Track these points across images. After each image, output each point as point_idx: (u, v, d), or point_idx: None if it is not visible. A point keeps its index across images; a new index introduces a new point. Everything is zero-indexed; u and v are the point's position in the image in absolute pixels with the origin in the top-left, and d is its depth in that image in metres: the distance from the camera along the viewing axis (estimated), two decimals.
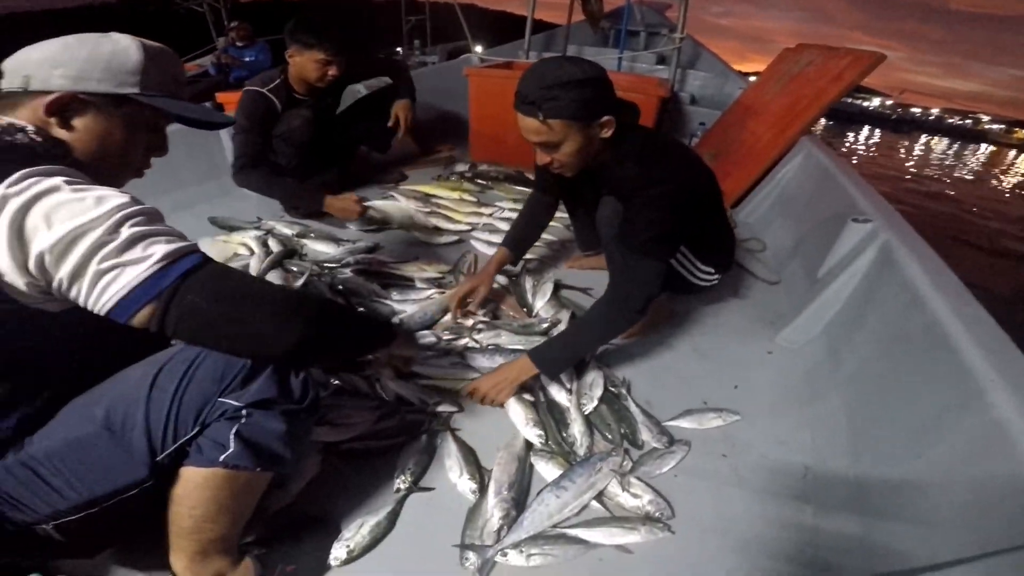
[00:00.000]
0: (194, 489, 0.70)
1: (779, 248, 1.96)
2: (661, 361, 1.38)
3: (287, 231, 1.87)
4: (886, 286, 1.28)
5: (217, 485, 0.70)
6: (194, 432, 0.68)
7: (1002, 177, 19.79)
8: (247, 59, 5.26)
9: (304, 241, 1.82)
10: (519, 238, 1.56)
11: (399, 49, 8.11)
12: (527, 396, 1.16)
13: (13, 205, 0.56)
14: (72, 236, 0.57)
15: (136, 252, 0.60)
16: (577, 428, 1.10)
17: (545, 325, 1.41)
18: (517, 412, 1.11)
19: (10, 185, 0.57)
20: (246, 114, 1.90)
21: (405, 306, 1.49)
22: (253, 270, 1.60)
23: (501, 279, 1.62)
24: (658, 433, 1.11)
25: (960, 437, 0.84)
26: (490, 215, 2.11)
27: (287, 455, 0.74)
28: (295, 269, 1.64)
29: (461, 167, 2.61)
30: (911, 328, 1.09)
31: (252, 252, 1.72)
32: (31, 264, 0.57)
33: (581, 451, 1.06)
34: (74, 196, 0.59)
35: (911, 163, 20.19)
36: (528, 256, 1.73)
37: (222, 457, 0.68)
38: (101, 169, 0.72)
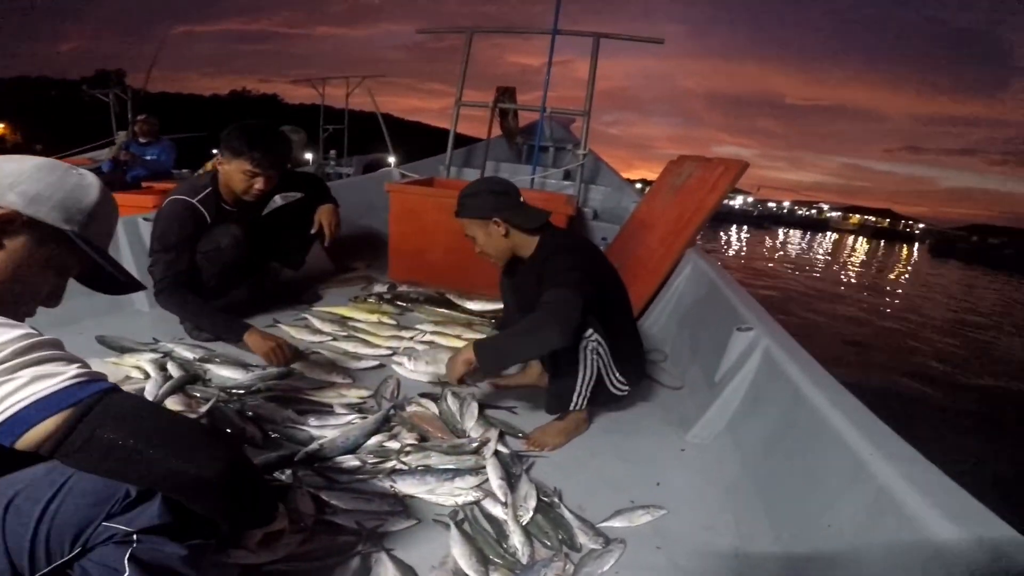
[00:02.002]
0: None
1: (679, 356, 2.21)
2: (587, 468, 1.47)
3: (188, 355, 1.81)
4: (772, 385, 1.51)
5: None
6: (72, 555, 0.67)
7: (846, 264, 23.40)
8: (148, 157, 4.97)
9: (208, 366, 1.76)
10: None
11: (309, 156, 8.19)
12: (466, 528, 1.17)
13: None
14: None
15: (42, 370, 0.60)
16: (517, 539, 1.13)
17: (475, 445, 1.46)
18: (455, 540, 1.12)
19: None
20: (176, 229, 1.84)
21: (324, 432, 1.47)
22: (149, 395, 1.52)
23: (427, 403, 1.67)
24: (594, 535, 1.17)
25: (857, 505, 1.00)
26: (411, 338, 2.15)
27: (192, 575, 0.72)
28: (198, 395, 1.58)
29: (379, 288, 2.68)
30: (799, 417, 1.30)
31: (147, 376, 1.63)
32: None
33: (524, 560, 1.09)
34: None
35: (775, 256, 23.15)
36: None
37: None
38: (0, 299, 0.72)
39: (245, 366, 1.79)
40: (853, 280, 17.59)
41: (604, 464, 1.50)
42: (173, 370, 1.68)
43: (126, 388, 1.51)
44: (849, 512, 1.02)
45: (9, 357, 0.58)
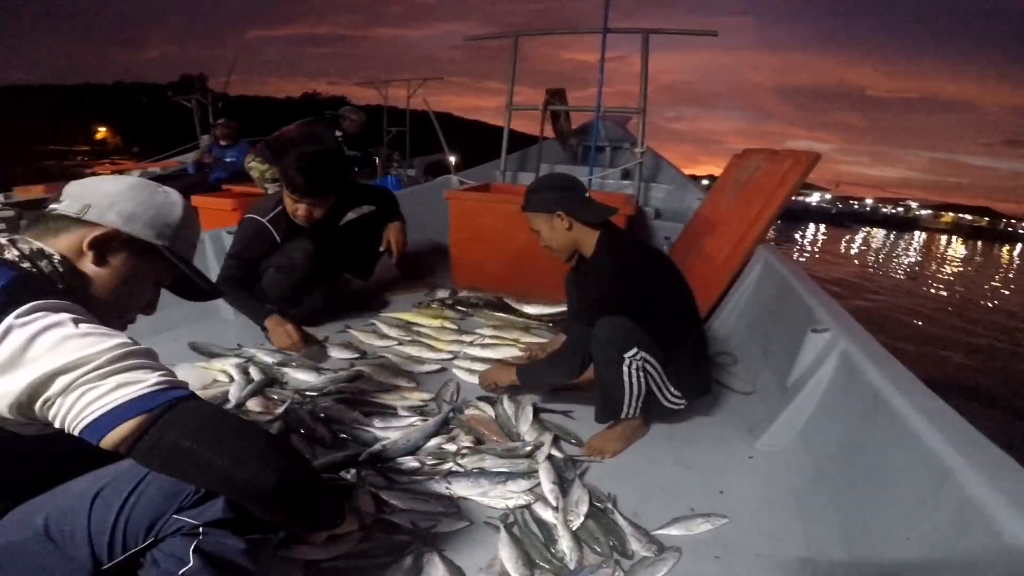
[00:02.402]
0: None
1: (749, 359, 2.10)
2: (645, 474, 1.44)
3: (268, 359, 1.94)
4: (850, 389, 1.40)
5: None
6: (146, 544, 0.73)
7: (938, 266, 21.15)
8: (228, 159, 5.18)
9: (285, 370, 1.88)
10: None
11: (372, 151, 8.45)
12: (515, 531, 1.18)
13: (17, 337, 0.61)
14: (70, 365, 0.62)
15: (128, 377, 0.65)
16: (565, 543, 1.12)
17: (528, 448, 1.46)
18: (504, 542, 1.13)
19: (18, 316, 0.62)
20: (244, 243, 2.05)
21: (388, 433, 1.53)
22: (232, 397, 1.65)
23: (484, 406, 1.69)
24: (647, 542, 1.14)
25: (941, 516, 0.92)
26: (471, 343, 2.19)
27: (251, 568, 0.77)
28: (275, 397, 1.70)
29: (442, 294, 2.75)
30: (879, 423, 1.20)
31: (231, 379, 1.77)
32: (23, 393, 0.61)
33: (572, 565, 1.08)
34: (78, 332, 0.64)
35: (856, 258, 21.26)
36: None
37: (181, 571, 0.72)
38: (107, 310, 0.79)
39: (318, 370, 1.90)
40: (946, 281, 15.85)
41: (663, 471, 1.46)
42: (254, 373, 1.82)
43: (213, 391, 1.69)
44: (931, 523, 0.93)
45: (103, 364, 0.63)
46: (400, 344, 2.18)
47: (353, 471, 1.34)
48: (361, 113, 3.90)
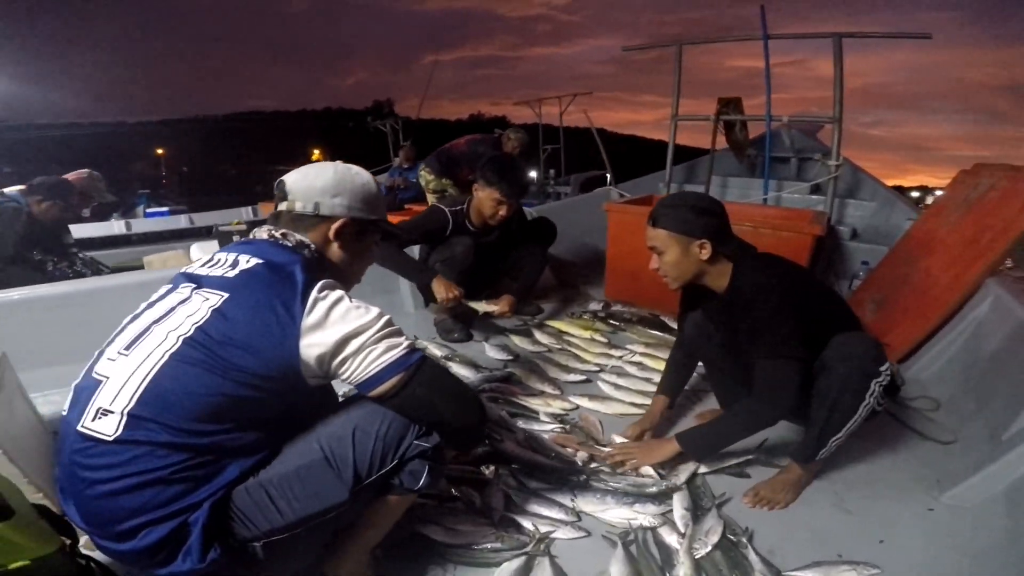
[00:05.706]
0: (396, 509, 1.02)
1: (956, 407, 1.78)
2: (794, 513, 1.34)
3: (437, 352, 2.22)
4: None
5: (405, 506, 1.04)
6: (392, 465, 0.94)
7: None
8: (412, 180, 6.02)
9: (450, 364, 2.13)
10: (671, 384, 1.75)
11: (533, 174, 8.85)
12: (632, 550, 1.19)
13: (321, 307, 0.86)
14: (358, 330, 0.87)
15: (391, 342, 0.90)
16: (684, 570, 1.11)
17: (663, 486, 1.40)
18: (617, 558, 1.14)
19: (319, 291, 0.88)
20: (423, 218, 2.39)
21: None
22: None
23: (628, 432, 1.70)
24: None
25: None
26: (620, 358, 2.21)
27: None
28: None
29: (595, 306, 2.80)
30: None
31: None
32: (329, 349, 0.85)
33: None
34: (354, 304, 0.90)
35: None
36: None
37: (418, 486, 0.98)
38: (346, 281, 1.02)
39: (477, 367, 2.11)
40: None
41: (815, 512, 1.34)
42: None
43: None
44: None
45: (377, 330, 0.89)
46: (550, 351, 2.30)
47: (491, 467, 1.46)
48: (521, 133, 4.07)
